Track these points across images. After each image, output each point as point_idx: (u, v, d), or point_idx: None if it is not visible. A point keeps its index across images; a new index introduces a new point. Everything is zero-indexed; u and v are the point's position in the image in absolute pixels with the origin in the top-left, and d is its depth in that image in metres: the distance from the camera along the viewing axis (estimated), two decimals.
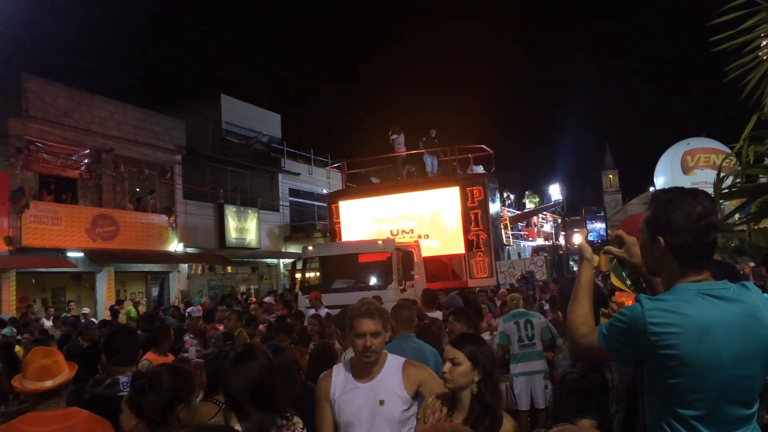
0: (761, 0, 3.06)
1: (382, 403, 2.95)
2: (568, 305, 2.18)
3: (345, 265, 13.68)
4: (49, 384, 2.89)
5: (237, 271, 25.73)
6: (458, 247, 16.86)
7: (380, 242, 13.70)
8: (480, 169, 19.41)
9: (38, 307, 16.86)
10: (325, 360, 4.57)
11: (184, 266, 22.20)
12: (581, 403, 2.50)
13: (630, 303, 2.25)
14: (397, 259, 13.12)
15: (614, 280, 2.37)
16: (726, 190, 3.14)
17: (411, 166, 19.83)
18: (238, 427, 2.56)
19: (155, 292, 21.12)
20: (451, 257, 17.02)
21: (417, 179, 18.74)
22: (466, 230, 16.73)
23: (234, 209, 24.11)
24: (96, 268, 18.65)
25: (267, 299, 16.91)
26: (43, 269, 17.43)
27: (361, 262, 13.75)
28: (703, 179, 15.17)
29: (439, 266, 16.80)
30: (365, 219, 18.00)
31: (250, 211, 25.06)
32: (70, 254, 17.48)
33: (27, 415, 2.90)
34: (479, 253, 16.54)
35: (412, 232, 17.06)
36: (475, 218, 16.68)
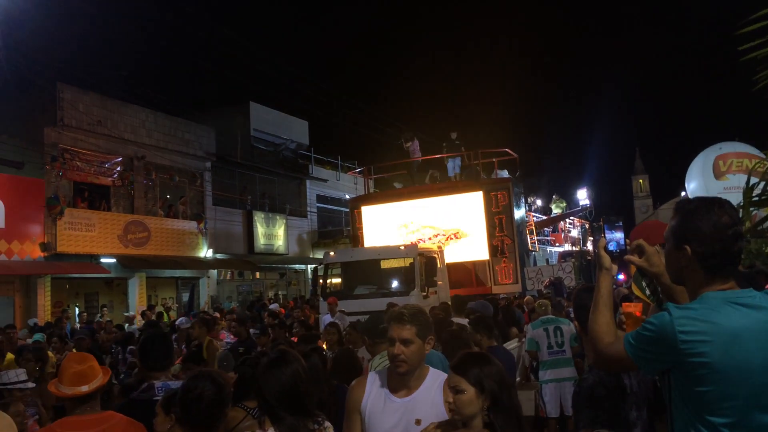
0: None
1: (418, 422, 2.66)
2: (590, 315, 2.18)
3: (367, 271, 13.52)
4: (85, 389, 2.96)
5: (265, 277, 25.93)
6: (482, 253, 16.67)
7: (402, 248, 13.43)
8: (505, 174, 19.16)
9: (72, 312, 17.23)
10: (348, 367, 4.55)
11: (214, 272, 22.46)
12: (594, 411, 2.50)
13: (638, 314, 2.25)
14: (420, 265, 12.85)
15: (635, 289, 2.37)
16: (756, 198, 3.11)
17: (435, 170, 19.67)
18: (272, 431, 2.61)
19: (185, 297, 21.37)
20: (475, 263, 16.80)
21: (440, 184, 18.54)
22: (491, 236, 16.53)
23: (262, 215, 24.32)
24: (128, 274, 18.98)
25: (272, 306, 16.88)
26: (77, 275, 17.80)
27: (383, 267, 13.58)
28: (736, 184, 14.85)
29: (463, 272, 16.59)
30: (388, 224, 17.89)
31: (278, 217, 25.27)
32: (103, 260, 17.82)
33: (64, 420, 2.98)
34: (504, 258, 16.38)
35: (436, 238, 16.89)
36: (499, 223, 16.49)
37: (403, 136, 19.45)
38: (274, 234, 24.72)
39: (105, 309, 16.93)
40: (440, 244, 15.86)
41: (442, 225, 17.30)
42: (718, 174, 15.94)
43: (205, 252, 21.38)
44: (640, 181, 76.49)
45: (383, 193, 20.09)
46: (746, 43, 3.08)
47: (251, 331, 9.29)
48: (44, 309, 16.19)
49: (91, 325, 14.08)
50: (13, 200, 15.63)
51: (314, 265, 15.33)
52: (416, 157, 19.29)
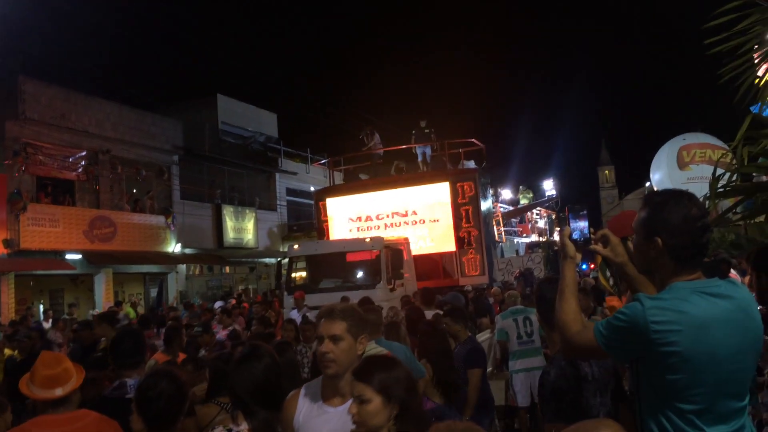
0: (760, 1, 3.11)
1: None
2: (556, 304, 2.21)
3: (332, 264, 13.17)
4: (59, 392, 2.93)
5: (235, 271, 25.74)
6: (449, 245, 16.40)
7: (368, 240, 13.13)
8: (471, 164, 18.67)
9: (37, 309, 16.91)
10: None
11: (182, 267, 22.20)
12: (558, 404, 2.55)
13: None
14: (386, 258, 12.55)
15: (600, 278, 2.42)
16: (721, 189, 3.21)
17: (400, 161, 19.24)
18: (245, 425, 2.61)
19: (153, 293, 21.12)
20: (442, 255, 16.50)
21: (406, 175, 18.12)
22: (457, 227, 16.24)
23: (231, 209, 24.11)
24: (94, 270, 18.66)
25: (218, 303, 16.21)
26: (42, 271, 17.45)
27: (349, 260, 13.24)
28: (699, 174, 15.20)
29: (430, 264, 16.29)
30: (353, 216, 17.56)
31: (247, 210, 25.07)
32: (68, 256, 17.49)
33: (37, 419, 2.94)
34: (471, 250, 16.07)
35: (402, 230, 16.53)
36: (465, 215, 16.20)
37: (364, 131, 19.05)
38: (243, 228, 24.53)
39: (74, 308, 16.58)
40: (406, 236, 15.60)
41: (409, 217, 17.01)
42: (682, 164, 16.26)
43: (174, 247, 21.13)
44: (606, 171, 77.69)
45: (348, 184, 19.49)
46: (711, 36, 3.15)
47: (196, 328, 8.80)
48: (8, 307, 15.85)
49: (40, 324, 13.70)
50: None
51: (278, 259, 14.96)
52: (378, 149, 18.90)
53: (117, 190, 19.69)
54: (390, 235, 15.12)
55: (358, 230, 16.93)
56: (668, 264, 2.01)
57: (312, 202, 28.60)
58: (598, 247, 2.29)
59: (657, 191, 2.11)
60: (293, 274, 13.65)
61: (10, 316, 14.93)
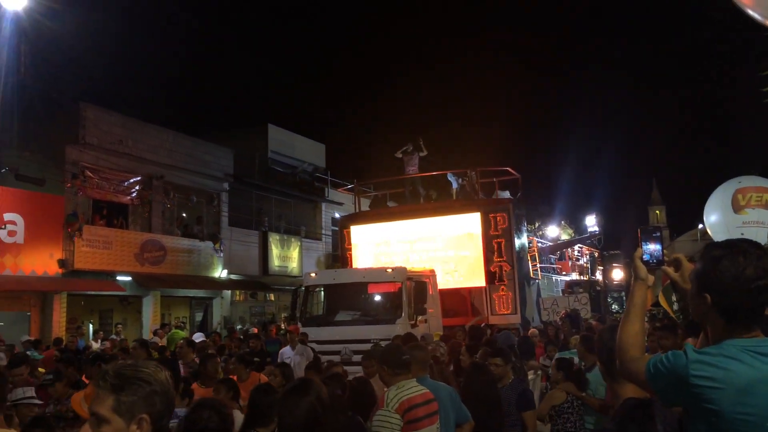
0: None
1: None
2: (620, 324, 2.17)
3: (350, 295, 12.50)
4: None
5: (279, 299, 25.93)
6: (479, 280, 15.51)
7: (390, 270, 12.37)
8: (506, 195, 17.62)
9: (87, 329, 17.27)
10: (364, 397, 4.46)
11: (228, 292, 22.48)
12: None
13: None
14: (409, 290, 11.81)
15: (662, 300, 2.36)
16: None
17: (432, 190, 18.45)
18: None
19: (199, 317, 21.41)
20: (470, 290, 15.68)
21: (435, 203, 17.33)
22: (488, 261, 15.36)
23: (278, 237, 24.38)
24: (143, 292, 19.06)
25: (197, 335, 15.29)
26: (93, 292, 17.90)
27: (368, 292, 12.61)
28: (755, 218, 14.69)
29: (457, 300, 15.48)
30: (378, 246, 16.92)
31: (293, 239, 25.33)
32: (119, 278, 17.93)
33: None
34: (502, 286, 15.15)
35: (428, 262, 15.57)
36: (498, 248, 15.33)
37: (404, 149, 18.08)
38: (288, 256, 24.75)
39: (120, 326, 16.92)
40: (433, 268, 14.67)
41: (437, 248, 16.25)
42: (737, 208, 15.72)
43: (220, 272, 21.44)
44: (657, 211, 76.00)
45: (374, 211, 18.76)
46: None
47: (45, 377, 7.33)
48: (59, 325, 16.28)
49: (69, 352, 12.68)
50: (33, 216, 15.79)
51: (294, 288, 14.36)
52: (412, 170, 18.08)
53: (168, 215, 20.16)
54: (414, 266, 14.37)
55: (382, 261, 16.17)
56: (718, 321, 1.93)
57: None
58: (669, 270, 2.23)
59: (717, 243, 2.03)
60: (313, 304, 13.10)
61: (61, 334, 15.32)
